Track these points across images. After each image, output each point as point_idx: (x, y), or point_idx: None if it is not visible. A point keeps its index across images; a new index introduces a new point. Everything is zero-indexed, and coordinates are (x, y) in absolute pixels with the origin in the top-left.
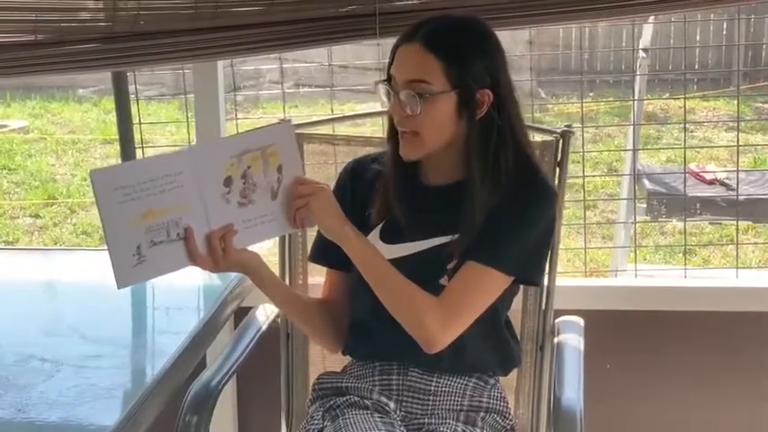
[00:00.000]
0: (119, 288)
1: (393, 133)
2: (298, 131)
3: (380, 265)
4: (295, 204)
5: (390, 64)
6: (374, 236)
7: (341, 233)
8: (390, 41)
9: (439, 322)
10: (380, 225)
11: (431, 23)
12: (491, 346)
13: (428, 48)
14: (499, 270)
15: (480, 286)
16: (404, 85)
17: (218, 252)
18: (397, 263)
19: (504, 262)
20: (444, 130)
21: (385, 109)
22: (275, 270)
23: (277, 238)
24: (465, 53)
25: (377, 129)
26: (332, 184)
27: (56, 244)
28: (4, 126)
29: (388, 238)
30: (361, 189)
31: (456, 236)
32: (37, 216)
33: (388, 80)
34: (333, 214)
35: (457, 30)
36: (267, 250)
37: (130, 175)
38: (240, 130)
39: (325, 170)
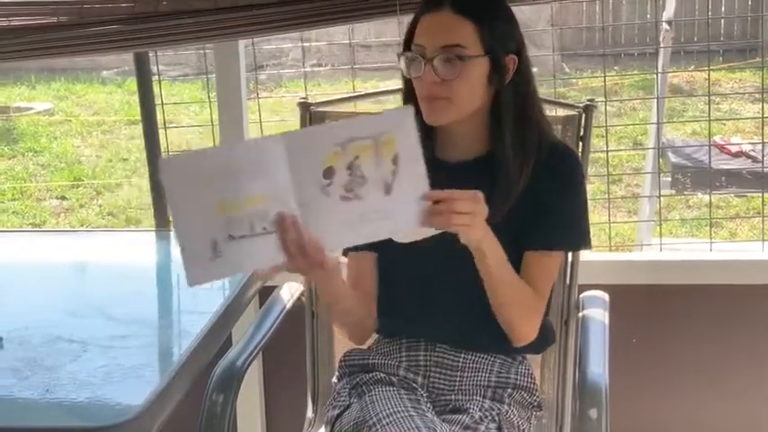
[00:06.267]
0: (190, 286)
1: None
2: (319, 109)
3: (505, 262)
4: (456, 220)
5: (411, 35)
6: None
7: (484, 239)
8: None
9: (536, 320)
10: None
11: None
12: None
13: (459, 11)
14: (563, 250)
15: (552, 273)
16: (438, 51)
17: (313, 260)
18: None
19: (565, 242)
20: (476, 95)
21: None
22: None
23: None
24: (493, 16)
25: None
26: None
27: (82, 225)
28: (30, 108)
29: None
30: None
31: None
32: (63, 198)
33: (410, 51)
34: (484, 225)
35: None
36: None
37: (205, 162)
38: (262, 110)
39: None
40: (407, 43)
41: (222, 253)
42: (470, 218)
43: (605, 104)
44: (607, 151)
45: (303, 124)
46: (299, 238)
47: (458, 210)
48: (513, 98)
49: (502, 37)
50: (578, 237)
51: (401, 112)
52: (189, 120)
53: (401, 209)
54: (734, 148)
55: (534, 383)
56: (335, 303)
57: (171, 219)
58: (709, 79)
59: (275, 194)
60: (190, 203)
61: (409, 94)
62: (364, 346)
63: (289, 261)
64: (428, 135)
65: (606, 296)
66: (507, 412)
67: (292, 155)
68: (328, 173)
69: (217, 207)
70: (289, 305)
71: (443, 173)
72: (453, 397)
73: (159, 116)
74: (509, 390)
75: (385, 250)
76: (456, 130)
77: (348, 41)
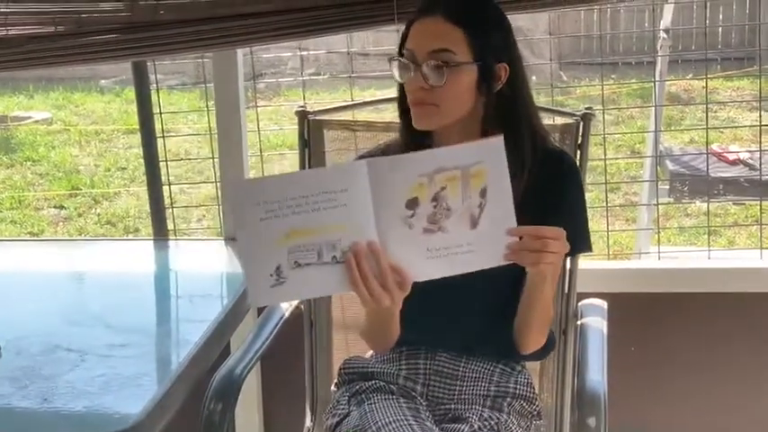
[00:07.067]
0: (254, 306)
1: (405, 109)
2: (317, 118)
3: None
4: (547, 260)
5: (404, 40)
6: None
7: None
8: None
9: (549, 326)
10: None
11: None
12: None
13: (451, 18)
14: (569, 254)
15: (555, 279)
16: (427, 57)
17: (393, 291)
18: None
19: (570, 245)
20: (463, 102)
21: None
22: None
23: None
24: (486, 24)
25: (397, 114)
26: None
27: (80, 234)
28: (28, 117)
29: None
30: None
31: None
32: (61, 207)
33: (402, 56)
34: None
35: (476, 2)
36: None
37: (277, 189)
38: (260, 118)
39: (345, 156)
40: (400, 49)
41: (286, 279)
42: (558, 257)
43: (603, 113)
44: (605, 159)
45: (301, 132)
46: (377, 265)
47: (551, 250)
48: (502, 107)
49: (493, 45)
50: (581, 240)
51: (492, 144)
52: (187, 128)
53: (487, 243)
54: (731, 156)
55: (534, 393)
56: (385, 324)
57: (237, 241)
58: (706, 87)
59: (352, 223)
60: (257, 228)
61: (403, 100)
62: (366, 355)
63: (366, 290)
64: (422, 141)
65: (605, 304)
66: (506, 421)
67: (375, 184)
68: (412, 204)
69: (286, 234)
70: (287, 313)
71: None
72: (453, 406)
73: (157, 125)
74: (508, 399)
75: None
76: (448, 137)
77: (346, 50)
